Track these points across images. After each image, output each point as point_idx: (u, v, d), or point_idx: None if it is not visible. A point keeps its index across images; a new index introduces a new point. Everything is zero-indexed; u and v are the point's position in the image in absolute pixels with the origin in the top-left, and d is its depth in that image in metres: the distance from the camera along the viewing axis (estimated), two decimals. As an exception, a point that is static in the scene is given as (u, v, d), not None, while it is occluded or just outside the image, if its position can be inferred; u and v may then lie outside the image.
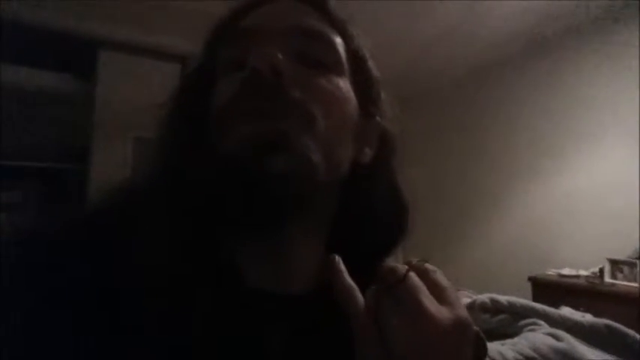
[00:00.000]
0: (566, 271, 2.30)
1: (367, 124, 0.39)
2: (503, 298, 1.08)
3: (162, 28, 2.08)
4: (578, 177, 2.50)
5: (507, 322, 1.04)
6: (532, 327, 1.00)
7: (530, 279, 2.35)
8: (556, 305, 1.20)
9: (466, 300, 1.16)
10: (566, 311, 1.15)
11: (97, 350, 0.26)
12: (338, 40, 0.37)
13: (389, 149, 0.42)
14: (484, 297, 1.11)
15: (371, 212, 0.40)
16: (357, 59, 0.39)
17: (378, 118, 0.41)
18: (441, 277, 0.32)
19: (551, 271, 2.38)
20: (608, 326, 0.95)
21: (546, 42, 2.69)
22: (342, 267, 0.32)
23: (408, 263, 0.33)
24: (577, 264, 2.34)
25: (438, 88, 3.59)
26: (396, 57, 2.87)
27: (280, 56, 0.30)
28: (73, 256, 0.29)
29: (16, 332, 0.25)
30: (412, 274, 0.30)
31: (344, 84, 0.36)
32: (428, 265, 0.33)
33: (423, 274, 0.32)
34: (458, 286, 1.73)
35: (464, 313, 0.30)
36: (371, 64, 0.41)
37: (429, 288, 0.30)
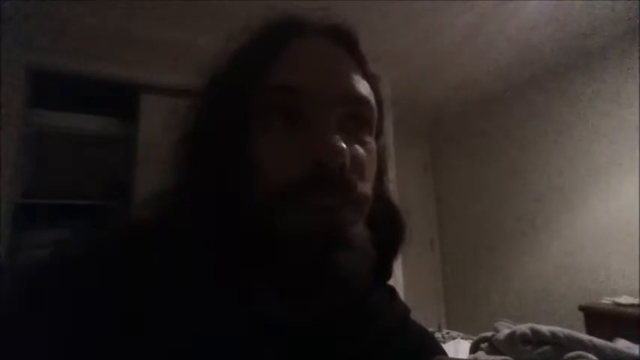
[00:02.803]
0: (623, 300, 2.10)
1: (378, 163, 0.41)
2: (545, 328, 1.01)
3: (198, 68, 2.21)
4: (631, 197, 2.32)
5: (551, 354, 0.96)
6: (579, 360, 0.92)
7: (581, 308, 2.16)
8: (612, 338, 1.10)
9: (505, 331, 1.09)
10: (621, 344, 1.05)
11: None
12: (374, 103, 0.39)
13: (385, 173, 0.43)
14: (524, 327, 1.04)
15: (376, 230, 0.39)
16: (379, 105, 0.41)
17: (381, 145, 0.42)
18: None
19: (606, 300, 2.19)
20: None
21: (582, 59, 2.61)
22: None
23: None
24: (636, 292, 2.14)
25: (469, 108, 3.54)
26: (413, 80, 2.89)
27: (346, 149, 0.32)
28: (93, 277, 0.31)
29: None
30: None
31: (373, 143, 0.39)
32: None
33: None
34: (499, 316, 1.63)
35: None
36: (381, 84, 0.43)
37: None
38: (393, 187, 0.46)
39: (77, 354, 0.27)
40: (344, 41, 0.39)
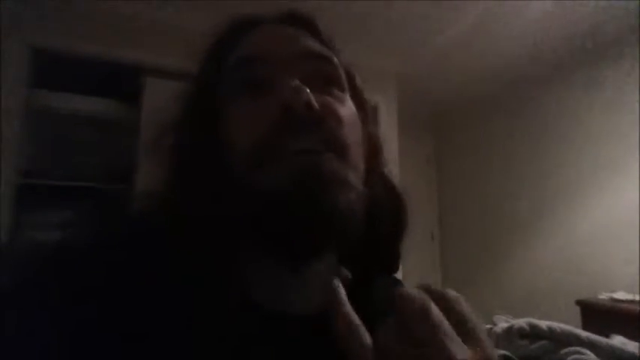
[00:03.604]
0: (620, 295, 2.10)
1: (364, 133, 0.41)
2: (542, 323, 1.02)
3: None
4: (629, 195, 2.32)
5: (548, 349, 0.97)
6: (575, 356, 0.93)
7: (578, 303, 2.17)
8: (608, 333, 1.11)
9: (503, 325, 1.10)
10: (617, 340, 1.06)
11: None
12: (337, 60, 0.39)
13: (380, 153, 0.42)
14: (522, 322, 1.05)
15: (377, 215, 0.39)
16: (348, 74, 0.41)
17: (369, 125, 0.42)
18: (465, 308, 0.26)
19: (604, 295, 2.19)
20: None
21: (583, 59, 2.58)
22: (344, 296, 0.27)
23: (426, 288, 0.26)
24: (634, 289, 2.15)
25: (474, 102, 3.52)
26: (420, 72, 2.87)
27: (309, 91, 0.32)
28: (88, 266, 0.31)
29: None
30: (433, 306, 0.24)
31: (349, 101, 0.39)
32: (449, 292, 0.27)
33: (445, 304, 0.25)
34: (497, 309, 1.64)
35: (493, 354, 0.25)
36: (357, 76, 0.43)
37: (450, 321, 0.24)
38: (394, 172, 0.45)
39: (76, 348, 0.27)
40: (300, 24, 0.40)
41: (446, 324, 0.23)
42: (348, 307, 0.26)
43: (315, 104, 0.32)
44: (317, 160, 0.32)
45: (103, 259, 0.31)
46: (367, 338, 0.24)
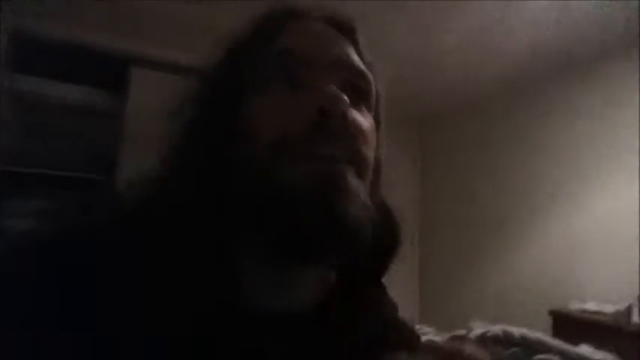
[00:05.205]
0: (589, 306, 2.18)
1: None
2: (516, 331, 1.05)
3: (192, 45, 2.17)
4: (608, 204, 2.40)
5: (520, 356, 1.00)
6: (545, 363, 0.96)
7: (551, 313, 2.25)
8: (577, 343, 1.14)
9: (478, 331, 1.12)
10: (584, 350, 1.10)
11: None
12: (371, 78, 0.39)
13: (380, 176, 0.43)
14: (497, 329, 1.08)
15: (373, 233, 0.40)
16: (377, 93, 0.41)
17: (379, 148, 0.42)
18: None
19: (575, 305, 2.27)
20: (626, 367, 0.91)
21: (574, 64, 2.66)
22: None
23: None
24: (606, 298, 2.22)
25: (460, 108, 3.58)
26: (409, 74, 2.90)
27: (347, 99, 0.32)
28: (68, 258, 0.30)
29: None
30: None
31: (372, 120, 0.39)
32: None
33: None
34: (474, 315, 1.68)
35: None
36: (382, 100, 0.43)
37: None
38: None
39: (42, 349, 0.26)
40: (341, 28, 0.39)
41: None
42: None
43: (350, 116, 0.33)
44: (341, 169, 0.32)
45: (74, 252, 0.30)
46: None
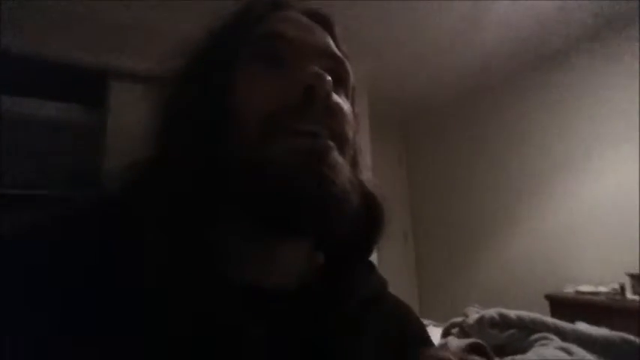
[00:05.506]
0: (584, 288, 2.22)
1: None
2: (512, 313, 1.05)
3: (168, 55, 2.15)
4: (594, 190, 2.45)
5: (517, 337, 1.00)
6: (543, 342, 0.96)
7: (547, 297, 2.28)
8: (574, 321, 1.15)
9: (474, 315, 1.12)
10: (582, 326, 1.10)
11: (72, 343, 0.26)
12: (349, 66, 0.40)
13: (360, 160, 0.43)
14: (492, 312, 1.08)
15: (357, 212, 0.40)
16: (353, 90, 0.42)
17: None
18: None
19: (569, 288, 2.31)
20: (623, 338, 0.91)
21: (557, 54, 2.71)
22: None
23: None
24: (596, 280, 2.27)
25: (445, 103, 3.61)
26: (397, 70, 2.92)
27: (331, 80, 0.33)
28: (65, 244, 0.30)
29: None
30: None
31: (351, 107, 0.40)
32: None
33: None
34: (468, 302, 1.68)
35: None
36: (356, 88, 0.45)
37: None
38: (370, 175, 0.45)
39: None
40: (320, 21, 0.41)
41: None
42: None
43: (334, 97, 0.34)
44: (324, 144, 0.33)
45: (53, 239, 0.30)
46: None
